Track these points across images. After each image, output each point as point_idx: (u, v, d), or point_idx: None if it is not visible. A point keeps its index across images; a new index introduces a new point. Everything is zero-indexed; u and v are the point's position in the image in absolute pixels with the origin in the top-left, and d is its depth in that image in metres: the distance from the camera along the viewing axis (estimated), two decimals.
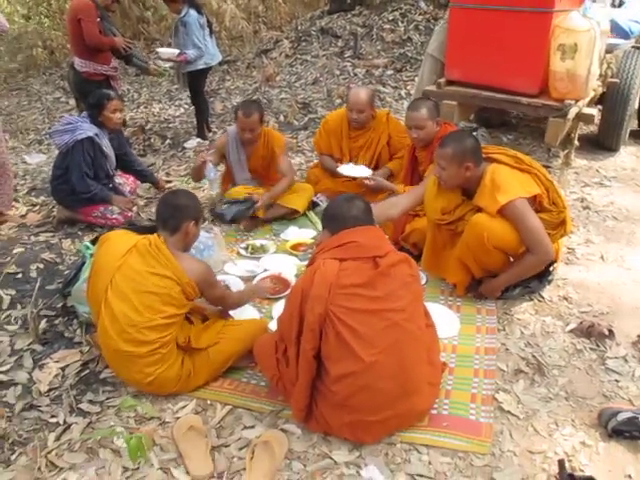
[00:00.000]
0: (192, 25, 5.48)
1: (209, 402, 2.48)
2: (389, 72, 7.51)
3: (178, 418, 2.38)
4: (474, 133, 4.45)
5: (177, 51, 5.49)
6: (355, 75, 7.74)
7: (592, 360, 2.63)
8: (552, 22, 3.77)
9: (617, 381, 2.50)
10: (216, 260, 3.53)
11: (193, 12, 5.52)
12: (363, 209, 2.30)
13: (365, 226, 2.26)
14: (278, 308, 2.98)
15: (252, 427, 2.32)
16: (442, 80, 4.37)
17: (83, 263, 3.06)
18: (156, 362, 2.38)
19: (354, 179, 4.03)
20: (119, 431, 2.27)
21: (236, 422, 2.36)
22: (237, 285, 3.29)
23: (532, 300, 3.06)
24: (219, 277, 3.35)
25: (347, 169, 4.02)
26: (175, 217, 2.48)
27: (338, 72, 7.85)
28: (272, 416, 2.36)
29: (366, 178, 3.88)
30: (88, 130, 3.85)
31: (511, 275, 2.94)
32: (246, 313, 3.00)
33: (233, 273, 3.47)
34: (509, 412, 2.31)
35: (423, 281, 3.24)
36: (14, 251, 3.84)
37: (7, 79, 9.99)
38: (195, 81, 5.80)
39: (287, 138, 6.03)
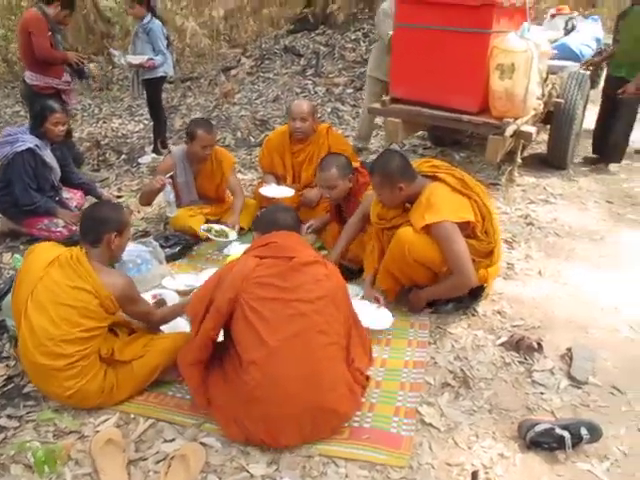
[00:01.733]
0: (157, 32, 5.53)
1: (132, 416, 2.43)
2: (349, 90, 7.63)
3: (98, 432, 2.33)
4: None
5: (147, 57, 5.50)
6: (315, 93, 7.83)
7: (519, 373, 2.65)
8: (490, 43, 3.87)
9: (542, 393, 2.53)
10: (154, 274, 3.49)
11: (157, 20, 5.57)
12: (291, 218, 2.50)
13: (289, 231, 2.40)
14: None
15: (172, 440, 2.28)
16: (387, 98, 4.44)
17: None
18: (76, 375, 2.33)
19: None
20: (32, 445, 2.21)
21: (157, 436, 2.32)
22: (174, 299, 3.25)
23: (466, 314, 3.08)
24: (156, 291, 3.33)
25: (269, 190, 4.07)
26: (96, 229, 2.44)
27: (299, 90, 7.94)
28: (193, 429, 2.32)
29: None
30: (28, 142, 3.80)
31: (434, 291, 2.99)
32: (177, 326, 2.96)
33: (171, 287, 3.43)
34: (431, 425, 2.32)
35: (359, 296, 3.24)
36: None
37: None
38: (153, 90, 5.78)
39: (242, 154, 6.07)
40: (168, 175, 3.91)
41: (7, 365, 2.80)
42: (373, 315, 2.95)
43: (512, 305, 3.19)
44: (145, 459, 2.20)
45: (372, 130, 5.95)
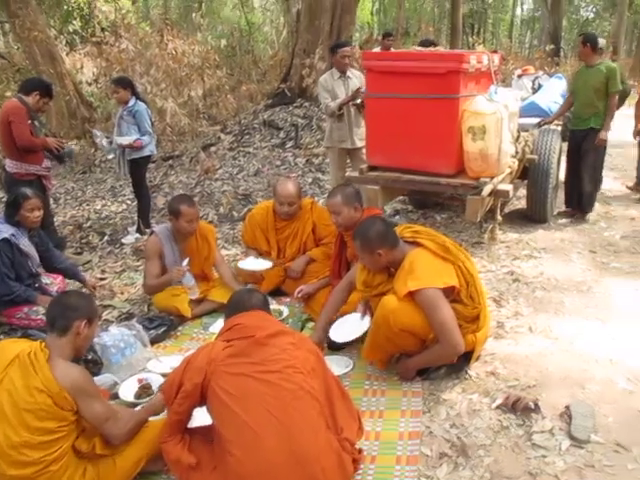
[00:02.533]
0: (144, 113, 5.65)
1: None
2: (327, 160, 7.73)
3: None
4: (395, 217, 4.56)
5: (135, 137, 5.59)
6: (296, 164, 7.96)
7: (518, 436, 2.57)
8: (460, 107, 3.98)
9: (544, 456, 2.44)
10: (139, 358, 3.39)
11: (141, 103, 5.70)
12: (255, 297, 2.54)
13: (254, 310, 2.43)
14: None
15: None
16: (364, 166, 4.51)
17: None
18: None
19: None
20: None
21: None
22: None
23: (459, 378, 3.01)
24: (142, 375, 3.22)
25: (247, 263, 4.07)
26: (64, 316, 2.33)
27: (279, 162, 8.07)
28: None
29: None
30: (4, 232, 3.77)
31: (422, 360, 2.93)
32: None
33: (158, 370, 3.33)
34: None
35: (349, 367, 3.18)
36: None
37: None
38: (137, 170, 5.84)
39: (225, 229, 6.08)
40: (185, 262, 3.85)
41: None
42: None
43: (505, 365, 3.13)
44: None
45: None
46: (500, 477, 2.33)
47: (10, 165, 4.83)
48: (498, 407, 2.75)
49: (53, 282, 4.32)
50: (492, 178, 4.10)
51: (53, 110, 10.25)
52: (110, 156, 6.06)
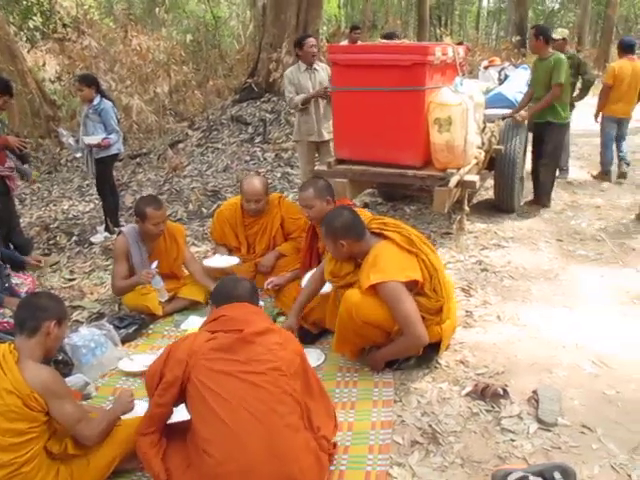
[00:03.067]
0: (110, 111, 5.57)
1: None
2: (297, 154, 7.72)
3: None
4: (364, 209, 4.59)
5: (102, 136, 5.51)
6: (265, 159, 7.94)
7: (487, 422, 2.62)
8: (426, 99, 4.02)
9: (512, 440, 2.49)
10: (110, 357, 3.37)
11: (107, 101, 5.62)
12: (244, 288, 2.47)
13: (241, 302, 2.38)
14: None
15: None
16: (332, 159, 4.53)
17: None
18: None
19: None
20: None
21: None
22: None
23: (429, 368, 3.05)
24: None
25: (214, 261, 4.06)
26: (35, 317, 2.30)
27: (248, 158, 8.04)
28: None
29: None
30: None
31: (388, 352, 2.97)
32: (137, 406, 2.82)
33: (129, 369, 3.31)
34: None
35: (321, 360, 3.20)
36: None
37: None
38: (104, 169, 5.77)
39: (195, 226, 6.04)
40: (154, 265, 3.81)
41: None
42: None
43: (474, 353, 3.18)
44: None
45: None
46: (470, 462, 2.37)
47: None
48: (468, 394, 2.81)
49: (23, 283, 4.23)
50: (459, 169, 4.15)
51: (15, 109, 10.01)
52: (78, 155, 5.96)
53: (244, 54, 11.30)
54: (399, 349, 2.92)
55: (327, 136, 5.40)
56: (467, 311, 3.65)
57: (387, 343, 2.95)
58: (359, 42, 7.82)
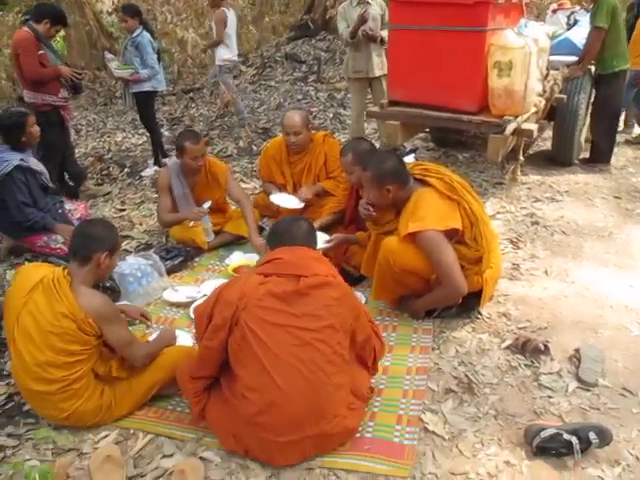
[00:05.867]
0: (146, 46, 5.51)
1: (132, 431, 2.40)
2: (350, 95, 7.57)
3: (97, 448, 2.30)
4: (413, 155, 4.45)
5: (131, 70, 5.48)
6: (317, 99, 7.81)
7: (525, 377, 2.58)
8: (487, 41, 3.81)
9: (549, 397, 2.46)
10: (155, 287, 3.47)
11: (146, 33, 5.56)
12: (304, 230, 2.37)
13: (299, 246, 2.29)
14: None
15: (171, 456, 2.25)
16: (384, 101, 4.39)
17: None
18: (70, 397, 2.30)
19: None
20: (26, 466, 2.18)
21: (156, 451, 2.29)
22: (185, 340, 2.97)
23: (470, 318, 3.02)
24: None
25: (278, 198, 4.02)
26: (87, 247, 2.36)
27: (301, 96, 7.92)
28: (193, 444, 2.29)
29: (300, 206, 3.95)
30: (12, 159, 3.80)
31: (427, 301, 2.94)
32: (179, 339, 2.92)
33: (173, 299, 3.40)
34: (434, 433, 2.26)
35: (363, 302, 3.20)
36: None
37: None
38: (143, 105, 5.77)
39: (244, 163, 6.05)
40: (206, 205, 3.85)
41: (8, 383, 2.79)
42: None
43: (518, 307, 3.12)
44: (144, 475, 2.17)
45: (364, 131, 5.93)
46: (504, 415, 2.36)
47: (27, 95, 4.79)
48: (507, 347, 2.77)
49: (76, 209, 4.38)
50: (516, 116, 3.96)
51: (74, 40, 10.11)
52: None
53: None
54: (437, 298, 2.89)
55: (378, 72, 5.25)
56: (514, 264, 3.56)
57: (426, 291, 2.92)
58: None
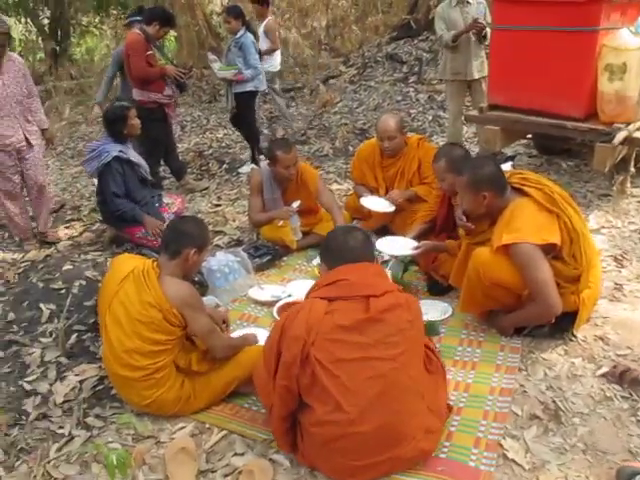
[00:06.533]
0: (250, 47, 5.63)
1: (207, 425, 2.47)
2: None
3: (174, 439, 2.38)
4: (511, 162, 4.22)
5: (234, 71, 5.62)
6: (417, 100, 7.67)
7: (622, 410, 2.37)
8: (598, 41, 3.55)
9: None
10: (242, 284, 3.54)
11: (249, 34, 5.69)
12: (361, 241, 2.20)
13: (361, 262, 2.14)
14: None
15: (242, 454, 2.28)
16: (484, 105, 4.21)
17: None
18: (152, 386, 2.40)
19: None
20: (111, 447, 2.29)
21: (228, 448, 2.33)
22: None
23: (563, 339, 2.82)
24: (248, 330, 3.10)
25: (369, 202, 3.96)
26: (177, 242, 2.47)
27: (400, 97, 7.81)
28: (264, 445, 2.31)
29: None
30: (112, 150, 4.03)
31: (517, 318, 2.77)
32: (259, 336, 2.95)
33: (258, 298, 3.45)
34: (514, 461, 2.12)
35: (448, 313, 3.10)
36: (63, 268, 4.04)
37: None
38: (244, 104, 5.87)
39: (340, 164, 6.04)
40: (296, 205, 3.89)
41: (100, 367, 2.94)
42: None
43: (618, 331, 2.88)
44: (214, 471, 2.22)
45: (462, 135, 5.75)
46: (594, 450, 2.18)
47: (136, 93, 5.09)
48: (603, 375, 2.55)
49: (173, 203, 4.57)
50: (628, 124, 3.66)
51: (184, 40, 10.55)
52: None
53: None
54: (529, 316, 2.73)
55: (477, 75, 5.06)
56: (616, 284, 3.29)
57: (517, 307, 2.76)
58: None
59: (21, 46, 12.98)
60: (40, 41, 13.09)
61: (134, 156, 4.19)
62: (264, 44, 6.50)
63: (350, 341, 1.99)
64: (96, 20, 13.03)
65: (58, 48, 12.78)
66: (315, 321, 2.00)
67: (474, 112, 4.39)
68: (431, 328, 2.86)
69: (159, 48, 5.21)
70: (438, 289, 3.33)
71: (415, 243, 3.37)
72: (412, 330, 2.07)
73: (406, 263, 3.60)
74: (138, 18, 5.27)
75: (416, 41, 8.95)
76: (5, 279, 4.00)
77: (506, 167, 3.67)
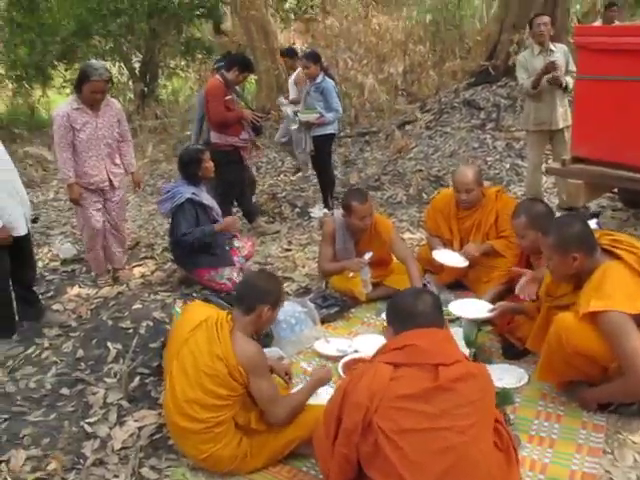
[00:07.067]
0: (332, 90, 5.73)
1: None
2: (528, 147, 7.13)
3: None
4: (595, 219, 3.98)
5: (317, 115, 5.69)
6: (494, 148, 7.48)
7: None
8: None
9: None
10: (308, 336, 3.48)
11: (329, 79, 5.79)
12: (431, 305, 2.08)
13: (430, 327, 2.03)
14: None
15: None
16: (567, 157, 4.02)
17: None
18: (209, 440, 2.35)
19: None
20: None
21: None
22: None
23: None
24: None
25: (442, 255, 3.83)
26: (251, 298, 2.45)
27: (477, 144, 7.65)
28: None
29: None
30: (185, 192, 4.13)
31: (603, 392, 2.54)
32: (322, 393, 2.84)
33: (323, 351, 3.35)
34: None
35: (524, 381, 2.88)
36: (133, 307, 4.11)
37: (176, 145, 10.98)
38: (322, 147, 5.92)
39: (413, 211, 5.93)
40: (368, 256, 3.80)
41: (159, 413, 2.92)
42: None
43: None
44: None
45: (541, 186, 5.52)
46: None
47: (213, 136, 5.27)
48: None
49: (244, 247, 4.60)
50: None
51: (264, 84, 10.86)
52: (293, 127, 6.16)
53: (484, 35, 10.71)
54: (617, 391, 2.50)
55: (562, 124, 4.89)
56: None
57: (602, 380, 2.53)
58: (616, 22, 6.89)
59: (113, 87, 13.77)
60: (130, 83, 13.84)
61: (207, 199, 4.27)
62: (293, 94, 6.78)
63: (416, 410, 1.86)
64: (182, 63, 13.67)
65: (146, 89, 13.46)
66: (379, 387, 1.89)
67: (556, 164, 4.21)
68: (505, 396, 2.66)
69: (238, 93, 5.36)
70: (514, 353, 3.13)
71: (490, 305, 3.18)
72: (484, 402, 1.93)
73: (479, 323, 3.42)
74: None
75: (494, 87, 8.79)
76: (78, 314, 4.12)
77: (591, 225, 3.45)
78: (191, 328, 2.44)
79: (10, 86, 13.37)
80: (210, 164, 4.27)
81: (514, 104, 8.13)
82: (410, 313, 2.06)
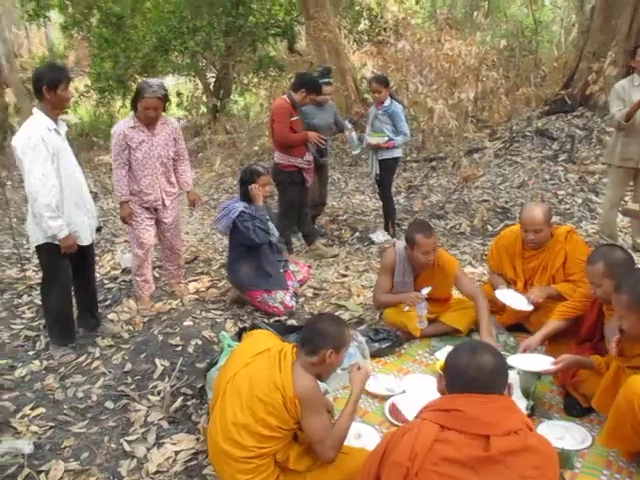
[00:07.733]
0: (400, 113, 5.65)
1: None
2: (605, 180, 6.77)
3: None
4: None
5: (385, 138, 5.62)
6: (566, 181, 7.15)
7: None
8: None
9: None
10: None
11: (398, 103, 5.71)
12: (491, 371, 1.83)
13: (487, 394, 1.82)
14: None
15: None
16: None
17: (222, 350, 3.14)
18: (249, 471, 2.28)
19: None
20: None
21: None
22: (373, 439, 2.73)
23: None
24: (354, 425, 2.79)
25: (505, 296, 3.61)
26: (314, 342, 2.37)
27: (548, 176, 7.34)
28: None
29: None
30: (239, 207, 4.17)
31: None
32: (365, 435, 2.72)
33: (371, 389, 3.21)
34: None
35: (587, 443, 2.65)
36: (184, 323, 4.12)
37: (243, 160, 11.14)
38: (388, 171, 5.83)
39: (476, 244, 5.71)
40: (426, 291, 3.65)
41: (197, 439, 2.88)
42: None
43: None
44: None
45: (616, 225, 5.16)
46: None
47: (277, 156, 5.25)
48: None
49: (299, 271, 4.54)
50: None
51: (333, 105, 10.88)
52: (355, 152, 6.11)
53: (561, 62, 10.38)
54: None
55: None
56: None
57: None
58: None
59: (188, 101, 14.16)
60: (204, 97, 14.19)
61: (260, 215, 4.22)
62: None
63: (460, 478, 1.70)
64: (255, 80, 13.90)
65: (219, 104, 13.77)
66: (422, 448, 1.74)
67: (635, 206, 3.92)
68: (565, 459, 2.45)
69: (305, 115, 5.34)
70: (577, 410, 2.88)
71: (551, 359, 2.94)
72: (540, 478, 1.72)
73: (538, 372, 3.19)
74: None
75: (569, 117, 8.46)
76: (134, 323, 4.16)
77: None
78: (254, 353, 2.41)
79: (94, 97, 13.94)
80: (265, 190, 4.27)
81: (590, 135, 7.79)
82: (465, 376, 1.85)
